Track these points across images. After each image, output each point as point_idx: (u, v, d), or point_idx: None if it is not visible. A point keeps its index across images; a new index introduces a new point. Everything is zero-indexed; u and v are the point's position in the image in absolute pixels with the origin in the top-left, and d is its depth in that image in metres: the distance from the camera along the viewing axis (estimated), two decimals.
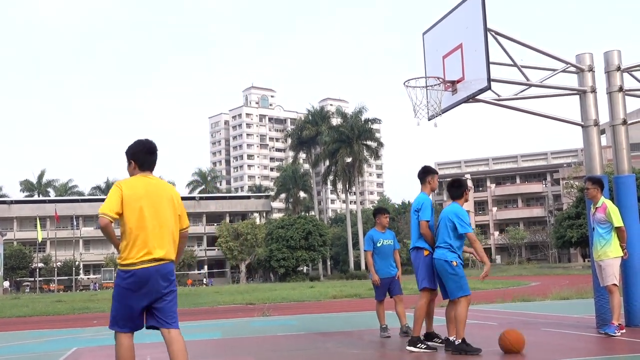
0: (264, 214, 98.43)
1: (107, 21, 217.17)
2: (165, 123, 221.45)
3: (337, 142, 73.37)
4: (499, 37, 9.72)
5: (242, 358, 8.31)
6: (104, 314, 19.03)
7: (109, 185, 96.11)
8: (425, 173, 8.41)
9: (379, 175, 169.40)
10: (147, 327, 5.16)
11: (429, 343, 8.04)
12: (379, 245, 9.64)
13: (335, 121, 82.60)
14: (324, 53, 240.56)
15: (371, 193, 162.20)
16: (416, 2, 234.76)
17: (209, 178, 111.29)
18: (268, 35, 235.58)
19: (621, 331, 8.63)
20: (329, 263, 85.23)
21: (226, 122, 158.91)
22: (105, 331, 12.25)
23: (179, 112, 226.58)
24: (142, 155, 5.32)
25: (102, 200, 8.04)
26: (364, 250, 10.07)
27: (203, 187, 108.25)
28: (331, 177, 78.02)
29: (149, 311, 5.11)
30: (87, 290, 73.10)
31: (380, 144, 77.83)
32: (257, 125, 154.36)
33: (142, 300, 5.01)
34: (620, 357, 6.88)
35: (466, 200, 8.02)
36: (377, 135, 78.68)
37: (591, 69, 10.00)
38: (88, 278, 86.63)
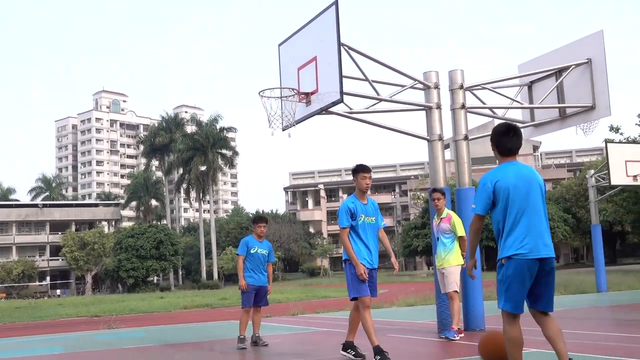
0: (113, 223, 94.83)
1: None
2: (7, 124, 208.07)
3: (191, 150, 72.33)
4: (351, 52, 10.00)
5: None
6: None
7: None
8: (352, 173, 7.60)
9: (233, 185, 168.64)
10: None
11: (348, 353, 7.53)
12: (252, 251, 9.52)
13: (190, 129, 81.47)
14: (180, 59, 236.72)
15: (225, 202, 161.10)
16: (275, 13, 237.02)
17: (54, 184, 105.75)
18: (120, 38, 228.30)
19: (460, 335, 9.13)
20: (180, 273, 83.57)
21: (74, 127, 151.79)
22: None
23: (21, 114, 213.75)
24: None
25: None
26: (236, 254, 9.83)
27: (47, 193, 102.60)
28: (185, 186, 76.67)
29: None
30: None
31: (236, 153, 77.64)
32: (107, 131, 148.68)
33: None
34: None
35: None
36: (232, 144, 78.53)
37: (437, 87, 10.51)
38: None
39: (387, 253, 7.61)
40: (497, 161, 5.27)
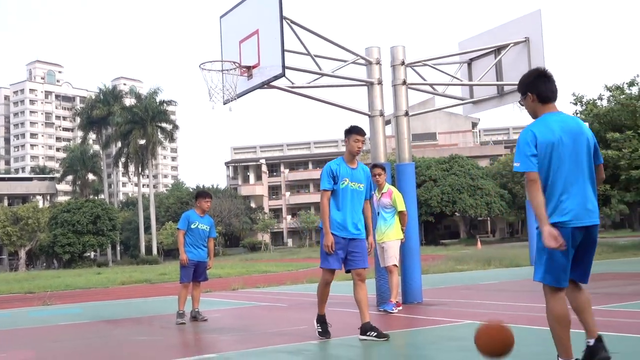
0: (48, 197, 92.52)
1: None
2: None
3: (130, 123, 70.84)
4: (294, 26, 9.94)
5: (20, 351, 7.76)
6: None
7: None
8: (345, 134, 7.02)
9: (173, 159, 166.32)
10: None
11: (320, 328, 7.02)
12: (193, 227, 9.45)
13: (129, 101, 79.69)
14: (119, 29, 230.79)
15: (165, 176, 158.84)
16: None
17: None
18: (56, 4, 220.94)
19: (398, 308, 9.32)
20: (118, 248, 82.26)
21: (6, 98, 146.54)
22: None
23: None
24: None
25: None
26: (177, 229, 9.71)
27: None
28: (123, 160, 75.14)
29: None
30: None
31: (176, 127, 76.48)
32: (42, 102, 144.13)
33: None
34: (396, 332, 7.38)
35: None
36: (172, 117, 77.32)
37: (378, 62, 10.55)
38: None
39: (366, 228, 6.92)
40: (535, 112, 4.49)
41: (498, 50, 11.71)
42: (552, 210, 4.27)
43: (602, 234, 58.35)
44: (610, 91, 28.53)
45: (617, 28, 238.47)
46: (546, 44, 11.28)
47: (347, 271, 6.75)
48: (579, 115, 29.03)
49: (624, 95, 27.71)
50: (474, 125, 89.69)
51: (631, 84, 28.01)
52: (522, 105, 4.56)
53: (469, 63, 12.42)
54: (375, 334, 6.56)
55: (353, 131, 6.85)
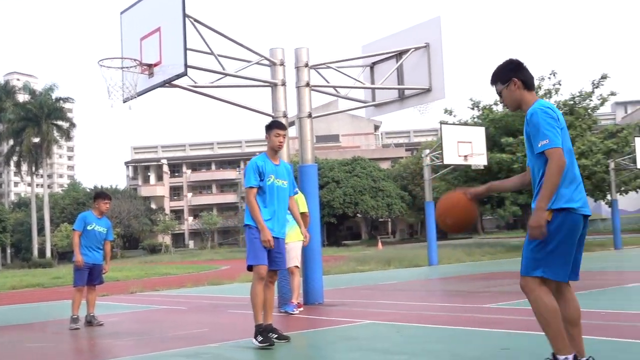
0: None
1: None
2: None
3: (23, 120, 67.76)
4: (197, 25, 9.81)
5: None
6: None
7: None
8: (265, 129, 6.76)
9: (70, 158, 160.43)
10: None
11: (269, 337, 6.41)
12: (89, 228, 9.15)
13: (23, 97, 76.21)
14: (12, 21, 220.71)
15: (61, 176, 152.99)
16: None
17: None
18: None
19: (299, 309, 9.37)
20: (9, 251, 78.55)
21: None
22: None
23: None
24: None
25: None
26: (73, 229, 9.37)
27: None
28: (15, 158, 71.80)
29: None
30: None
31: (73, 125, 73.67)
32: None
33: None
34: (296, 333, 7.42)
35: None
36: (69, 115, 74.39)
37: (282, 64, 10.56)
38: None
39: (297, 222, 6.95)
40: (519, 100, 4.18)
41: (400, 54, 11.98)
42: (562, 194, 3.89)
43: (496, 235, 60.79)
44: None
45: (517, 35, 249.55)
46: (445, 50, 11.64)
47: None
48: (475, 119, 30.12)
49: None
50: (376, 127, 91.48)
51: None
52: (500, 95, 4.26)
53: (372, 67, 12.63)
54: (276, 335, 6.47)
55: (274, 126, 6.72)
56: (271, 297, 6.61)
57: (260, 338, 6.27)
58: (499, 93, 4.25)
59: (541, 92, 28.59)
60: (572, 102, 28.91)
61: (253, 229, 6.44)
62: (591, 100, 28.90)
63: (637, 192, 32.63)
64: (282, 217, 6.62)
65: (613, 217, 28.32)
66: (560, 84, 29.02)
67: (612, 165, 27.52)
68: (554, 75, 28.90)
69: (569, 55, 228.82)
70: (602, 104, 28.98)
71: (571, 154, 3.98)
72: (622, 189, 30.43)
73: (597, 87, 28.67)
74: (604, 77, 28.48)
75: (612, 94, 28.81)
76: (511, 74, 4.15)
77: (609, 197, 29.24)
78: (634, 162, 26.79)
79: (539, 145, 3.84)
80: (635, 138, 27.02)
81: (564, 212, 3.85)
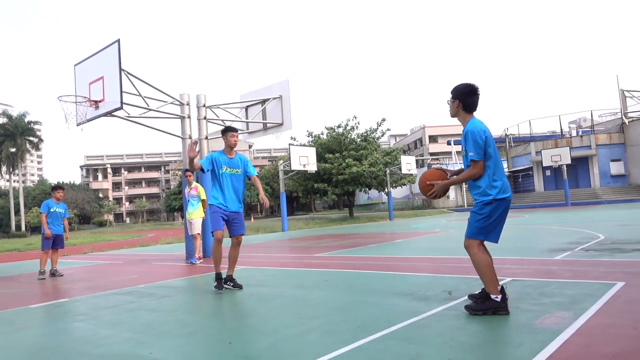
0: None
1: None
2: None
3: (2, 136, 59.72)
4: (130, 76, 9.18)
5: None
6: None
7: None
8: (222, 133, 5.81)
9: (39, 162, 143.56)
10: None
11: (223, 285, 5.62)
12: (52, 210, 8.39)
13: (2, 120, 66.97)
14: None
15: (32, 175, 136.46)
16: (71, 38, 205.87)
17: None
18: None
19: (200, 260, 9.04)
20: None
21: None
22: None
23: None
24: None
25: None
26: (40, 212, 8.42)
27: None
28: None
29: None
30: None
31: (41, 140, 65.85)
32: None
33: None
34: (198, 276, 7.15)
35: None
36: (38, 132, 66.46)
37: (188, 104, 10.18)
38: None
39: (259, 191, 5.65)
40: (456, 115, 3.71)
41: (264, 101, 11.91)
42: (500, 187, 3.60)
43: (323, 212, 62.27)
44: (328, 130, 30.60)
45: (344, 89, 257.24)
46: (292, 99, 11.71)
47: (230, 236, 5.59)
48: (310, 142, 30.57)
49: (335, 132, 29.91)
50: (250, 146, 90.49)
51: (338, 126, 30.29)
52: (449, 104, 3.73)
53: (247, 107, 12.45)
54: (232, 284, 5.58)
55: (229, 130, 5.71)
56: (236, 254, 5.69)
57: (214, 284, 5.59)
58: (448, 102, 3.76)
59: (349, 127, 29.61)
60: (366, 134, 30.22)
61: (213, 207, 5.54)
62: (376, 132, 30.39)
63: (402, 187, 34.62)
64: (235, 196, 5.64)
65: (389, 201, 29.28)
66: (359, 123, 30.32)
67: (388, 171, 28.92)
68: (355, 117, 30.15)
69: (365, 106, 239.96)
70: (382, 135, 30.54)
71: (498, 161, 3.65)
72: (394, 185, 32.12)
73: (380, 125, 30.22)
74: (383, 119, 30.15)
75: (388, 129, 30.49)
76: (458, 95, 3.68)
77: (386, 189, 29.99)
78: (400, 169, 28.51)
79: (470, 155, 3.57)
80: (401, 156, 28.77)
81: (500, 200, 3.59)
